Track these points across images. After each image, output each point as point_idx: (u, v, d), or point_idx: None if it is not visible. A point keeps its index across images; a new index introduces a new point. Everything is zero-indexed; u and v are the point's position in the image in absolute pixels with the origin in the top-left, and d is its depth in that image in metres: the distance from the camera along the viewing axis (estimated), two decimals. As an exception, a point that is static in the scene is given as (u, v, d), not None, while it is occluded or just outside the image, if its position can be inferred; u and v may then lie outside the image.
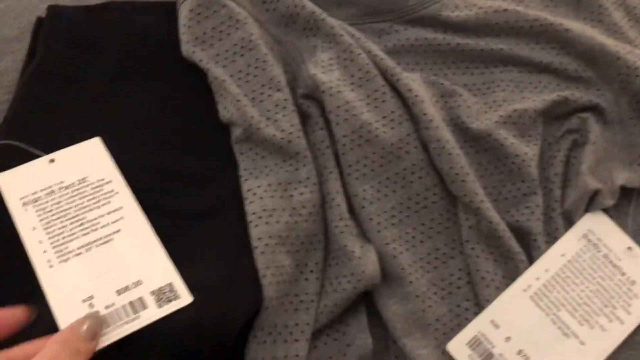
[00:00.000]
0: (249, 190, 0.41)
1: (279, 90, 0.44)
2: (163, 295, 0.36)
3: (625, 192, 0.45)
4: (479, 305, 0.40)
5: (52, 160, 0.41)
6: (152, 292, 0.37)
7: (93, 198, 0.40)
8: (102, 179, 0.41)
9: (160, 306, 0.36)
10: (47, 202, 0.39)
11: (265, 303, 0.37)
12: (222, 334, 0.36)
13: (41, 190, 0.40)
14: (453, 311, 0.40)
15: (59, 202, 0.40)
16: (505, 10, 0.49)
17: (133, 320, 0.35)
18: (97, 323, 0.34)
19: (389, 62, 0.45)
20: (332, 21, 0.46)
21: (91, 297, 0.36)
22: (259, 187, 0.41)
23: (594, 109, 0.47)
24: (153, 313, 0.36)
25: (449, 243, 0.42)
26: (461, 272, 0.41)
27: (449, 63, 0.49)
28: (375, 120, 0.43)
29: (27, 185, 0.40)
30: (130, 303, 0.36)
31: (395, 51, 0.49)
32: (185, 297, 0.36)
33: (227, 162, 0.43)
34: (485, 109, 0.46)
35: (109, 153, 0.42)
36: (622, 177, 0.44)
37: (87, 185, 0.41)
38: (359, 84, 0.44)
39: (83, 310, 0.35)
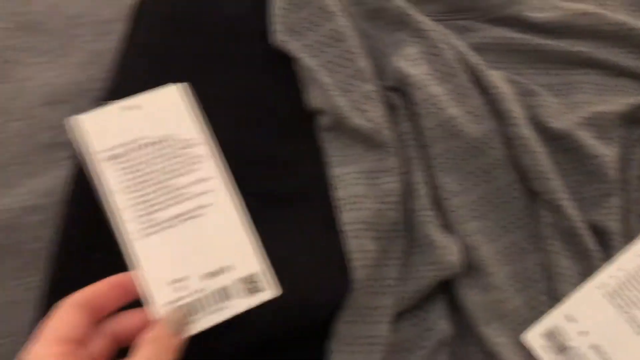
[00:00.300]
0: (337, 177, 0.43)
1: (367, 81, 0.46)
2: (253, 284, 0.34)
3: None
4: (555, 299, 0.42)
5: (132, 107, 0.37)
6: (242, 280, 0.34)
7: (180, 161, 0.36)
8: (189, 138, 0.36)
9: (249, 296, 0.34)
10: (131, 159, 0.35)
11: (353, 284, 0.39)
12: (310, 318, 0.38)
13: (125, 143, 0.35)
14: (529, 304, 0.42)
15: (144, 162, 0.35)
16: (589, 13, 0.50)
17: (221, 309, 0.33)
18: (185, 315, 0.33)
19: (474, 59, 0.47)
20: (419, 16, 0.48)
21: (181, 279, 0.34)
22: (347, 173, 0.43)
23: (674, 114, 0.47)
24: (242, 302, 0.34)
25: (527, 238, 0.44)
26: (538, 267, 0.43)
27: (529, 63, 0.50)
28: (460, 115, 0.45)
29: (109, 133, 0.35)
30: (220, 289, 0.34)
31: (477, 49, 0.50)
32: (274, 289, 0.34)
33: (313, 148, 0.45)
34: (564, 110, 0.48)
35: (194, 104, 0.38)
36: (701, 182, 0.45)
37: (173, 144, 0.36)
38: (444, 78, 0.46)
39: (174, 293, 0.33)
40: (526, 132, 0.44)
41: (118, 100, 0.36)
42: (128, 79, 0.47)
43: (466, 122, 0.45)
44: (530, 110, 0.47)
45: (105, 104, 0.36)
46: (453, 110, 0.45)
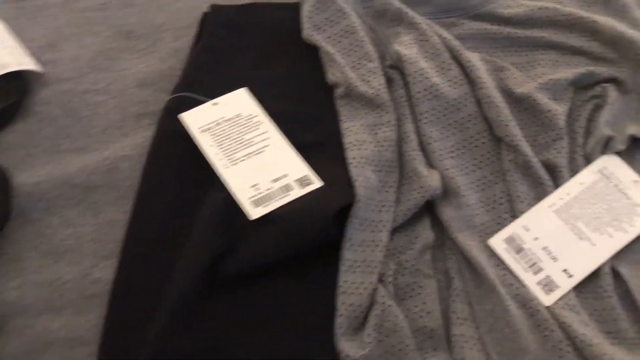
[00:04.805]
0: (346, 129, 0.58)
1: (371, 61, 0.61)
2: (305, 181, 0.56)
3: (638, 142, 0.58)
4: (515, 217, 0.54)
5: (215, 104, 0.61)
6: (297, 180, 0.56)
7: (247, 126, 0.59)
8: (251, 114, 0.60)
9: (304, 187, 0.55)
10: (216, 129, 0.59)
11: (357, 197, 0.53)
12: (327, 214, 0.52)
13: (212, 122, 0.60)
14: (495, 220, 0.55)
15: (224, 129, 0.59)
16: (546, 7, 0.64)
17: (286, 196, 0.55)
18: None
19: (454, 42, 0.62)
20: (414, 14, 0.63)
21: (257, 184, 0.55)
22: (353, 126, 0.58)
23: (614, 81, 0.60)
24: (300, 191, 0.55)
25: (493, 173, 0.57)
26: (503, 194, 0.56)
27: (501, 47, 0.64)
28: (441, 82, 0.59)
29: (202, 120, 0.60)
30: (283, 187, 0.55)
31: (460, 38, 0.65)
32: (319, 182, 0.56)
33: (333, 110, 0.61)
34: (527, 80, 0.61)
35: (253, 98, 0.61)
36: (632, 129, 0.57)
37: (242, 118, 0.60)
38: (431, 57, 0.61)
39: (253, 191, 0.55)
40: (492, 92, 0.58)
41: (208, 100, 0.61)
42: (197, 71, 0.65)
43: (445, 87, 0.59)
44: (501, 81, 0.61)
45: (199, 101, 0.61)
46: (436, 79, 0.59)
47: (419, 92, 0.59)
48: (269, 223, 0.53)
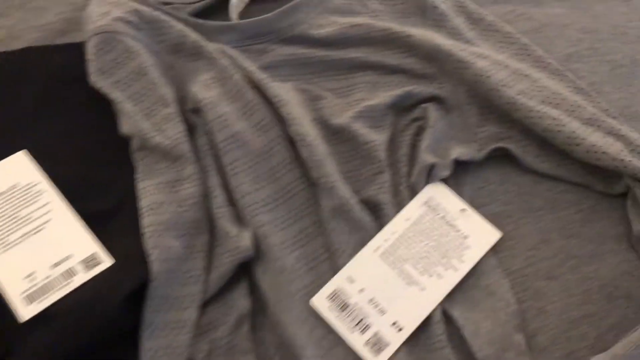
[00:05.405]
0: (142, 189, 0.50)
1: (167, 106, 0.53)
2: (90, 262, 0.47)
3: (465, 165, 0.53)
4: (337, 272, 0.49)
5: None
6: (82, 261, 0.47)
7: (24, 199, 0.51)
8: (30, 183, 0.52)
9: (88, 270, 0.47)
10: None
11: (153, 276, 0.46)
12: (114, 302, 0.44)
13: None
14: (317, 281, 0.48)
15: None
16: (360, 24, 0.58)
17: (69, 283, 0.46)
18: None
19: (260, 76, 0.55)
20: (211, 47, 0.56)
21: (32, 273, 0.47)
22: (150, 185, 0.50)
23: (435, 99, 0.56)
24: (86, 275, 0.47)
25: (313, 224, 0.50)
26: (323, 248, 0.49)
27: (317, 72, 0.58)
28: (247, 129, 0.52)
29: None
30: (64, 272, 0.47)
31: (273, 66, 0.58)
32: (108, 260, 0.48)
33: (129, 169, 0.52)
34: (345, 108, 0.56)
35: (33, 162, 0.52)
36: (456, 152, 0.53)
37: (18, 190, 0.51)
38: (233, 98, 0.54)
39: (27, 284, 0.46)
40: (303, 129, 0.52)
41: None
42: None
43: (251, 134, 0.52)
44: (317, 112, 0.55)
45: None
46: (240, 125, 0.52)
47: (221, 141, 0.52)
48: (45, 322, 0.44)
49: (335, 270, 0.48)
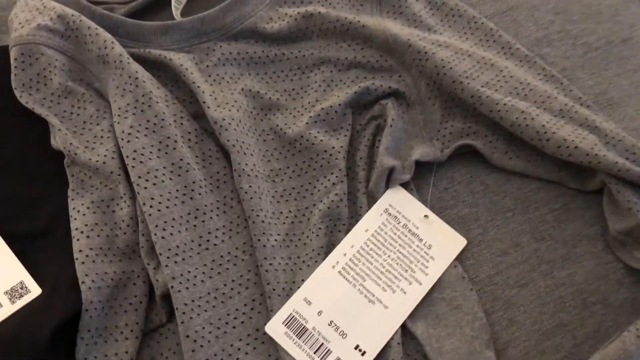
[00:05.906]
0: (73, 209, 0.47)
1: (97, 124, 0.49)
2: (16, 292, 0.44)
3: (427, 164, 0.50)
4: (257, 341, 0.43)
5: None
6: (7, 292, 0.44)
7: None
8: None
9: (14, 301, 0.43)
10: None
11: (85, 306, 0.42)
12: (41, 336, 0.41)
13: None
14: (226, 350, 0.42)
15: None
16: (311, 14, 0.54)
17: None
18: None
19: (203, 96, 0.50)
20: (135, 66, 0.50)
21: None
22: (82, 204, 0.46)
23: (395, 94, 0.51)
24: (8, 309, 0.43)
25: (228, 283, 0.45)
26: (237, 312, 0.44)
27: (270, 73, 0.54)
28: (163, 167, 0.47)
29: None
30: None
31: (221, 64, 0.53)
32: (36, 289, 0.44)
33: (60, 185, 0.48)
34: (301, 113, 0.51)
35: None
36: (418, 152, 0.49)
37: None
38: (153, 129, 0.48)
39: None
40: (243, 166, 0.47)
41: None
42: None
43: (168, 173, 0.47)
44: (271, 122, 0.51)
45: None
46: (156, 161, 0.47)
47: (138, 178, 0.46)
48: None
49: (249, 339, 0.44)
